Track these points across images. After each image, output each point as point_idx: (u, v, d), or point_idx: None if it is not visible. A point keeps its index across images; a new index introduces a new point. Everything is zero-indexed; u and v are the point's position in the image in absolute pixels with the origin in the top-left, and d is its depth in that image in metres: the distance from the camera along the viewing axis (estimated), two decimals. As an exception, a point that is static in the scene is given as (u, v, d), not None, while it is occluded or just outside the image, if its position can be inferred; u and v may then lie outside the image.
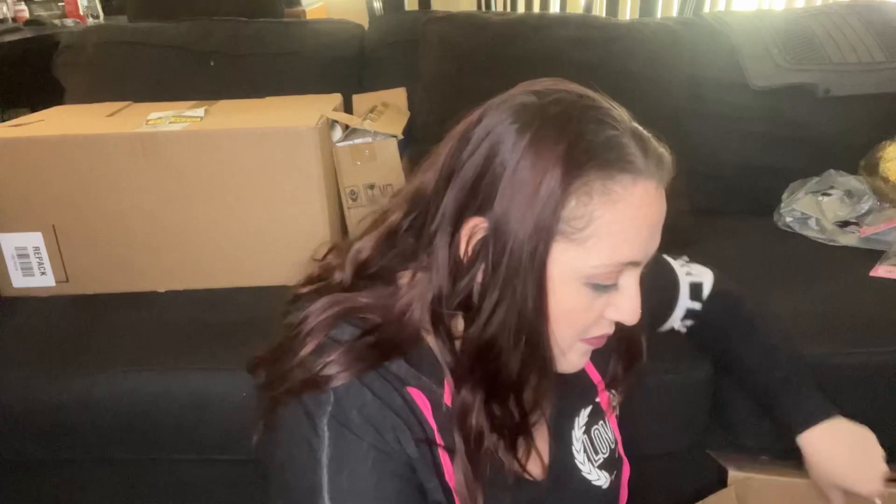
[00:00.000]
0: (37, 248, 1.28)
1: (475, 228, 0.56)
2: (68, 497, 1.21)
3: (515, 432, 0.62)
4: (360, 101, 1.61)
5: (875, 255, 1.33)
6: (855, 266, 1.31)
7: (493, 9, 3.49)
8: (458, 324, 0.61)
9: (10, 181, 1.24)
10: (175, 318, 1.22)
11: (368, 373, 0.58)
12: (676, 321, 0.93)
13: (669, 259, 0.92)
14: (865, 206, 1.44)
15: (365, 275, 0.64)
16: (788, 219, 1.50)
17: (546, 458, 0.69)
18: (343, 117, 1.38)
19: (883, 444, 0.84)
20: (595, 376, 0.76)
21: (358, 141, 1.35)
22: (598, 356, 0.70)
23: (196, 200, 1.26)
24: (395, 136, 1.37)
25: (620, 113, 0.58)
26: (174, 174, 1.24)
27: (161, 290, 1.31)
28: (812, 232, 1.46)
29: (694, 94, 1.64)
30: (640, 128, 0.58)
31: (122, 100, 1.54)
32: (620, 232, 0.55)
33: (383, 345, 0.59)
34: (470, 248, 0.57)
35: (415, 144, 1.58)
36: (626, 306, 0.59)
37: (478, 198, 0.56)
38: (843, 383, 1.05)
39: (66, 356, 1.13)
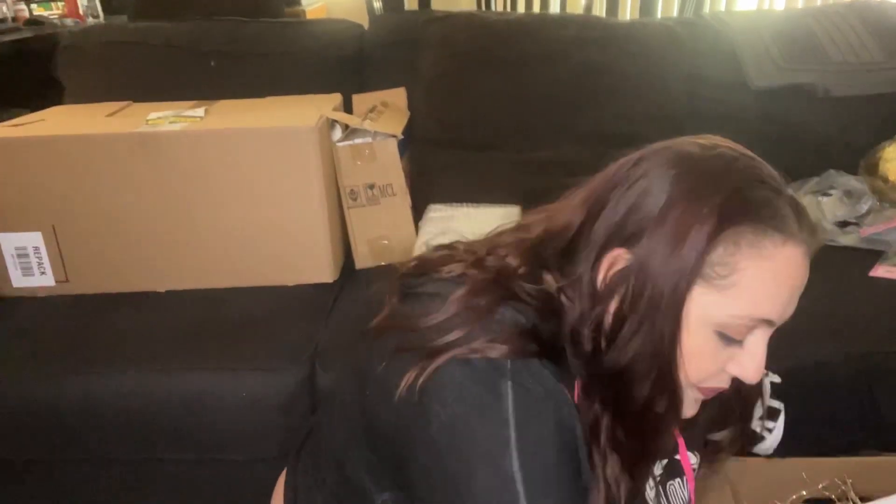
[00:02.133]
0: (36, 248, 1.28)
1: (617, 259, 0.59)
2: (68, 497, 1.21)
3: (637, 457, 0.63)
4: (360, 100, 1.61)
5: (875, 256, 1.33)
6: (854, 266, 1.31)
7: (492, 8, 3.48)
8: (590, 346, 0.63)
9: (10, 181, 1.24)
10: (175, 318, 1.22)
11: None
12: (754, 419, 0.84)
13: None
14: (865, 207, 1.44)
15: (504, 275, 0.65)
16: (788, 219, 1.50)
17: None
18: (343, 117, 1.38)
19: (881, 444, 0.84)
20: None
21: (358, 141, 1.35)
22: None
23: (196, 200, 1.26)
24: (395, 136, 1.37)
25: (779, 178, 0.60)
26: (174, 174, 1.24)
27: (161, 289, 1.31)
28: (812, 232, 1.46)
29: (693, 94, 1.63)
30: (796, 197, 0.60)
31: (121, 99, 1.53)
32: (762, 288, 0.57)
33: (541, 341, 0.61)
34: (609, 277, 0.60)
35: (414, 144, 1.58)
36: (750, 365, 0.60)
37: (625, 231, 0.59)
38: (841, 383, 1.05)
39: (66, 356, 1.13)
